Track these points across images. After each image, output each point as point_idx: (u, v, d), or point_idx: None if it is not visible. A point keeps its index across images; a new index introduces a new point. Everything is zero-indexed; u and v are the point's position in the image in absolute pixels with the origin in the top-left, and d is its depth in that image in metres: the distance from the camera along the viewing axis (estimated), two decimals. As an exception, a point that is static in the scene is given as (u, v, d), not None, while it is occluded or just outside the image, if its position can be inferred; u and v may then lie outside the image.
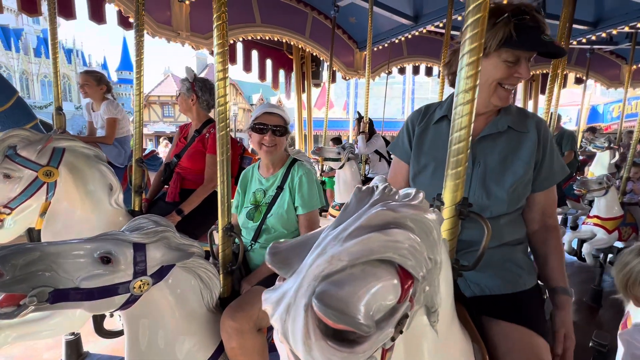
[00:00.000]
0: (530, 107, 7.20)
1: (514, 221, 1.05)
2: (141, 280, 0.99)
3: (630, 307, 1.84)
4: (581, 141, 5.44)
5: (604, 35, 4.38)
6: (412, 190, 0.53)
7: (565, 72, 6.52)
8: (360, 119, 3.90)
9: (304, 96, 6.37)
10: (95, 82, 2.94)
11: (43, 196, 1.54)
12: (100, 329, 1.87)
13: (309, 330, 0.36)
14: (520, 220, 1.08)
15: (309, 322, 0.36)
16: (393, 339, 0.44)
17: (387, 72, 5.45)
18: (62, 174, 1.56)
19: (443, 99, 1.18)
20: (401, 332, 0.45)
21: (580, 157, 5.60)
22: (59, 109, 2.59)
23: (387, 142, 4.03)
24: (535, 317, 0.93)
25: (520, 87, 7.27)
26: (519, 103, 7.27)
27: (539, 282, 1.10)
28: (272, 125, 1.49)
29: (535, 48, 0.93)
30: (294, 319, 0.37)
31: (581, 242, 3.38)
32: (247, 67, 5.90)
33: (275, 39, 4.91)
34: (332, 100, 13.53)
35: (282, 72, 6.52)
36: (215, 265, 1.29)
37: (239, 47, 5.61)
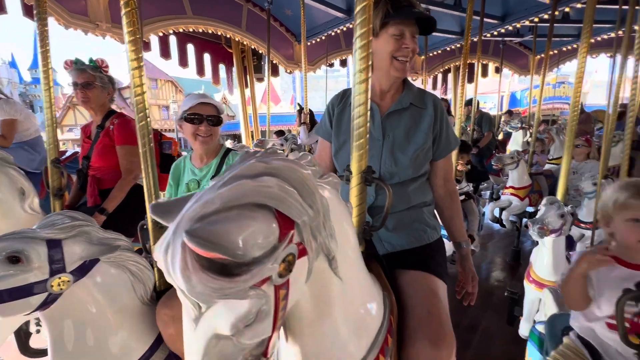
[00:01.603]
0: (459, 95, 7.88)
1: (420, 187, 1.21)
2: (60, 278, 0.96)
3: (532, 259, 2.19)
4: (499, 123, 6.14)
5: (510, 28, 4.96)
6: (303, 154, 0.61)
7: (485, 62, 7.30)
8: (300, 110, 3.98)
9: (255, 91, 6.28)
10: None
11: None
12: (26, 348, 1.72)
13: (187, 263, 0.41)
14: (425, 187, 1.24)
15: (186, 256, 0.41)
16: (281, 276, 0.51)
17: (327, 64, 5.59)
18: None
19: None
20: (290, 270, 0.53)
21: (502, 137, 6.33)
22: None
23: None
24: (435, 264, 1.09)
25: (450, 77, 7.97)
26: (450, 92, 7.96)
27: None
28: (207, 115, 1.50)
29: (408, 17, 1.08)
30: (173, 256, 0.43)
31: (501, 210, 3.86)
32: (183, 62, 5.62)
33: (210, 31, 4.74)
34: (278, 95, 13.45)
35: (222, 67, 6.34)
36: (149, 258, 1.28)
37: (173, 40, 5.31)
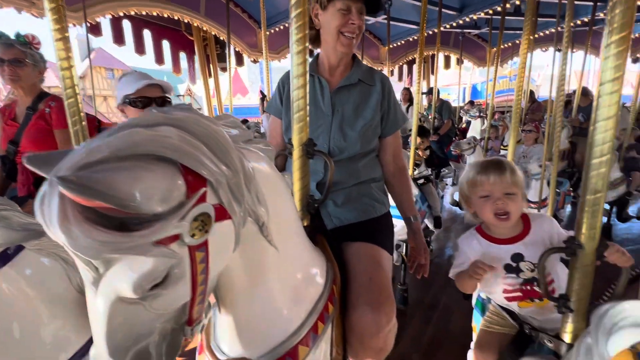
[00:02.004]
0: (424, 87, 8.11)
1: (369, 163, 1.23)
2: None
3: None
4: (459, 112, 6.41)
5: (468, 20, 5.16)
6: (225, 114, 0.59)
7: (447, 54, 7.56)
8: (263, 98, 3.91)
9: (219, 82, 6.02)
10: None
11: None
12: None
13: (66, 214, 0.38)
14: (375, 163, 1.27)
15: (65, 206, 0.38)
16: (194, 236, 0.49)
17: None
18: None
19: None
20: (206, 232, 0.51)
21: (464, 125, 6.62)
22: None
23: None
24: (381, 236, 1.12)
25: (415, 68, 8.17)
26: (415, 83, 8.15)
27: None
28: (154, 98, 1.42)
29: None
30: (50, 206, 0.39)
31: (460, 194, 4.05)
32: (140, 48, 5.31)
33: (166, 16, 4.49)
34: (246, 87, 13.08)
35: (183, 56, 6.05)
36: None
37: (127, 25, 4.99)
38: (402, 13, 5.14)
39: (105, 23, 4.73)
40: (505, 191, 1.05)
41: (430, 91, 4.87)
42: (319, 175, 1.17)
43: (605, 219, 3.86)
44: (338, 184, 1.17)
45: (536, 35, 5.66)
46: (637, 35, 6.84)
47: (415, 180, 2.83)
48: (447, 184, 4.51)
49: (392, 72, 7.47)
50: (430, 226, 2.96)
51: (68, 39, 1.06)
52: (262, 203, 0.64)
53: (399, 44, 6.40)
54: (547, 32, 5.82)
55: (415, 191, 2.71)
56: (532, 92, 5.92)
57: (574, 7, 2.92)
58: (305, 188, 0.97)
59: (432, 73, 8.21)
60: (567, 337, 0.91)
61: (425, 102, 5.79)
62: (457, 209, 4.36)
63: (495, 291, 1.13)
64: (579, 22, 5.29)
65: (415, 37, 6.29)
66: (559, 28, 3.47)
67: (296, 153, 0.93)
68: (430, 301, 2.77)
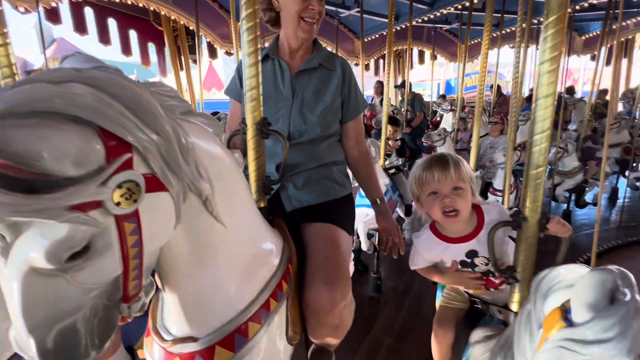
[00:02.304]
0: (399, 80, 8.22)
1: (330, 146, 1.23)
2: None
3: None
4: (432, 106, 6.57)
5: (438, 14, 5.26)
6: (160, 82, 0.57)
7: (421, 49, 7.70)
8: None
9: (191, 75, 5.80)
10: None
11: None
12: None
13: None
14: (336, 147, 1.27)
15: None
16: (119, 204, 0.47)
17: (262, 46, 5.41)
18: None
19: None
20: (134, 201, 0.49)
21: (438, 119, 6.79)
22: None
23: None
24: (340, 216, 1.13)
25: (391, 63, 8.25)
26: (381, 77, 8.25)
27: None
28: None
29: None
30: None
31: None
32: (104, 38, 5.04)
33: (130, 2, 4.28)
34: (222, 80, 12.76)
35: (153, 47, 5.81)
36: None
37: (89, 13, 4.72)
38: (376, 7, 5.16)
39: (64, 9, 4.46)
40: (452, 186, 1.01)
41: (402, 84, 4.95)
42: (278, 158, 1.16)
43: (564, 206, 4.09)
44: (298, 166, 1.17)
45: (504, 32, 5.87)
46: (594, 33, 7.25)
47: (386, 170, 2.87)
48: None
49: (367, 66, 7.53)
50: (402, 214, 3.02)
51: (2, 12, 0.98)
52: (204, 177, 0.62)
53: (373, 37, 6.43)
54: (514, 28, 6.04)
55: (386, 180, 2.75)
56: (499, 87, 6.15)
57: (533, 5, 3.05)
58: (260, 168, 0.96)
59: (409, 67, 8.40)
60: (514, 307, 0.96)
61: (399, 96, 5.89)
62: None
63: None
64: (541, 19, 5.53)
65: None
66: (523, 25, 3.61)
67: (250, 132, 0.92)
68: (403, 288, 2.84)
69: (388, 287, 2.81)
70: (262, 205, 0.98)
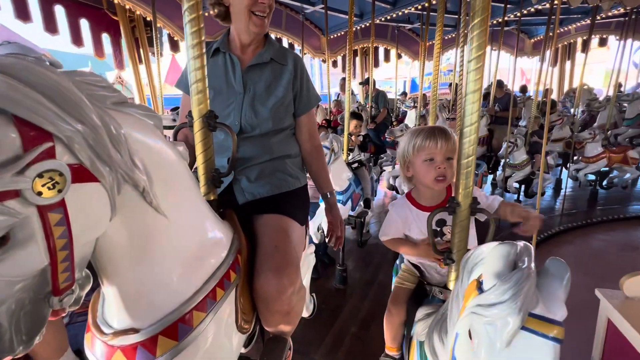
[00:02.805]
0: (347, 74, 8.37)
1: (283, 140, 1.25)
2: None
3: None
4: (396, 103, 6.79)
5: (400, 13, 5.43)
6: (82, 71, 0.57)
7: (387, 47, 7.89)
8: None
9: (151, 69, 5.50)
10: None
11: None
12: None
13: None
14: (289, 140, 1.29)
15: None
16: (41, 194, 0.47)
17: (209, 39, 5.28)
18: None
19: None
20: (59, 191, 0.49)
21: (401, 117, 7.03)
22: None
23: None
24: (291, 207, 1.16)
25: (357, 61, 8.40)
26: (358, 76, 8.40)
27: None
28: None
29: None
30: None
31: (395, 178, 4.32)
32: (50, 27, 4.66)
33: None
34: (186, 75, 12.29)
35: (107, 38, 5.47)
36: None
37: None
38: (340, 4, 5.22)
39: (2, -5, 4.08)
40: (447, 156, 1.13)
41: (367, 81, 5.07)
42: (230, 152, 1.16)
43: (515, 196, 4.42)
44: (251, 159, 1.18)
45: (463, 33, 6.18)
46: (542, 36, 7.82)
47: (349, 164, 2.94)
48: (385, 170, 4.77)
49: (335, 63, 7.60)
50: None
51: None
52: (140, 168, 0.62)
53: (339, 34, 6.50)
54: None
55: (349, 174, 2.83)
56: (457, 85, 6.46)
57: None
58: (208, 161, 0.96)
59: (375, 66, 8.58)
60: (451, 285, 1.05)
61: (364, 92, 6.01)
62: (394, 192, 4.64)
63: None
64: (494, 22, 5.89)
65: (356, 28, 6.47)
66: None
67: (196, 125, 0.92)
68: (368, 279, 2.94)
69: (354, 279, 2.90)
70: (212, 197, 0.99)
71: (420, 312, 1.08)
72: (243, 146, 1.16)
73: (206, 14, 0.91)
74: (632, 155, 4.49)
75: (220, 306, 0.80)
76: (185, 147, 0.81)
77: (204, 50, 0.89)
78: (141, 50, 5.54)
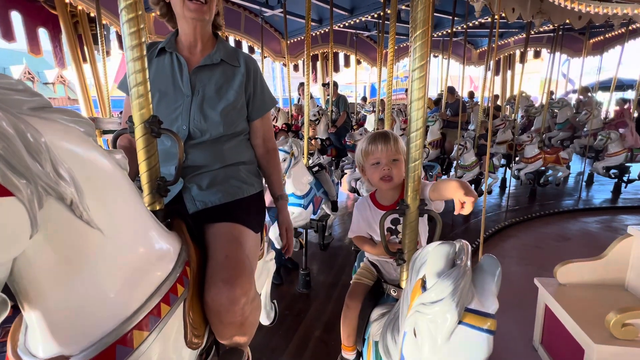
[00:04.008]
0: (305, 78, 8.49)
1: (235, 146, 1.21)
2: None
3: None
4: (357, 107, 6.98)
5: (358, 21, 5.59)
6: None
7: (347, 53, 8.08)
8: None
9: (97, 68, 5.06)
10: None
11: None
12: None
13: None
14: (242, 146, 1.25)
15: None
16: None
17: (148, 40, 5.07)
18: None
19: None
20: None
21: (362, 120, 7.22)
22: None
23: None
24: (244, 214, 1.13)
25: (318, 65, 8.50)
26: (319, 80, 8.48)
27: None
28: None
29: None
30: None
31: (356, 181, 4.41)
32: (-27, 19, 4.16)
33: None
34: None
35: (44, 33, 4.98)
36: None
37: (-51, -13, 3.85)
38: (299, 8, 5.26)
39: None
40: (391, 158, 1.19)
41: (328, 84, 5.14)
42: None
43: (467, 195, 4.72)
44: (202, 167, 1.13)
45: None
46: (484, 48, 8.50)
47: (310, 168, 2.96)
48: (346, 173, 4.86)
49: (296, 67, 7.62)
50: (328, 211, 3.15)
51: None
52: (67, 179, 0.57)
53: (299, 39, 6.54)
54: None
55: (310, 178, 2.83)
56: (413, 91, 6.77)
57: (434, 19, 3.47)
58: (152, 169, 0.91)
59: (335, 71, 8.73)
60: (404, 284, 1.09)
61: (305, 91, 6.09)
62: (355, 194, 4.74)
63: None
64: (444, 32, 6.28)
65: (316, 33, 6.54)
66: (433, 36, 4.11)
67: (138, 131, 0.86)
68: (332, 281, 2.95)
69: (317, 282, 2.91)
70: (158, 207, 0.93)
71: (376, 313, 1.11)
72: (192, 153, 1.11)
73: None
74: (563, 156, 5.02)
75: (165, 323, 0.75)
76: (124, 155, 0.76)
77: (145, 52, 0.84)
78: (85, 48, 5.12)
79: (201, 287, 0.92)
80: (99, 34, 3.64)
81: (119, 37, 5.50)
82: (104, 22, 4.38)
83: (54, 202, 0.57)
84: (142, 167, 0.89)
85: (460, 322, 0.58)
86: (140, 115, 0.85)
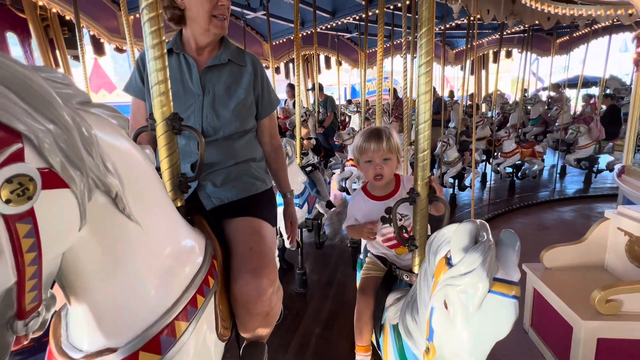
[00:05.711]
0: (309, 84, 8.55)
1: (246, 143, 1.24)
2: None
3: None
4: (341, 109, 7.07)
5: (339, 23, 5.69)
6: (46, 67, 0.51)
7: (327, 55, 8.18)
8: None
9: (72, 74, 4.87)
10: None
11: None
12: None
13: None
14: (253, 143, 1.28)
15: None
16: (9, 202, 0.42)
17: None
18: None
19: None
20: (29, 198, 0.43)
21: (347, 120, 7.32)
22: None
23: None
24: (261, 209, 1.16)
25: (300, 66, 8.52)
26: (292, 80, 8.51)
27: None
28: None
29: None
30: None
31: (345, 180, 4.48)
32: (-64, 22, 3.91)
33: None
34: (112, 81, 11.12)
35: (13, 37, 4.74)
36: None
37: None
38: (282, 11, 5.29)
39: None
40: (383, 157, 1.25)
41: (313, 88, 5.20)
42: (192, 157, 1.12)
43: (450, 190, 4.91)
44: (216, 164, 1.15)
45: (396, 42, 6.70)
46: (462, 48, 8.86)
47: (303, 168, 2.99)
48: (334, 172, 4.92)
49: (277, 69, 7.63)
50: (322, 210, 3.18)
51: None
52: (112, 172, 0.58)
53: (281, 41, 6.57)
54: (400, 40, 6.94)
55: (304, 177, 2.86)
56: (395, 90, 6.97)
57: (414, 20, 3.60)
58: (174, 166, 0.92)
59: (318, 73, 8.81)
60: (416, 269, 1.14)
61: (311, 98, 6.15)
62: (344, 193, 4.80)
63: (377, 240, 1.34)
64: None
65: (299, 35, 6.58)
66: (409, 38, 4.24)
67: (159, 128, 0.87)
68: (327, 279, 2.98)
69: (313, 281, 2.93)
70: (180, 204, 0.94)
71: (391, 298, 1.15)
72: (206, 151, 1.12)
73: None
74: (538, 150, 5.31)
75: (201, 314, 0.76)
76: (152, 150, 0.77)
77: (165, 50, 0.86)
78: (57, 53, 4.91)
79: (226, 280, 0.93)
80: (78, 39, 3.50)
81: (95, 42, 5.31)
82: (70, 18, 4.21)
83: (100, 195, 0.57)
84: (164, 164, 0.89)
85: (489, 291, 0.64)
86: (161, 113, 0.86)
